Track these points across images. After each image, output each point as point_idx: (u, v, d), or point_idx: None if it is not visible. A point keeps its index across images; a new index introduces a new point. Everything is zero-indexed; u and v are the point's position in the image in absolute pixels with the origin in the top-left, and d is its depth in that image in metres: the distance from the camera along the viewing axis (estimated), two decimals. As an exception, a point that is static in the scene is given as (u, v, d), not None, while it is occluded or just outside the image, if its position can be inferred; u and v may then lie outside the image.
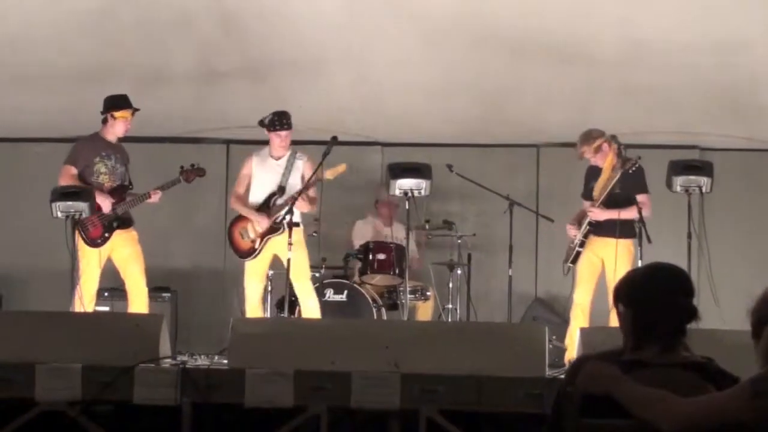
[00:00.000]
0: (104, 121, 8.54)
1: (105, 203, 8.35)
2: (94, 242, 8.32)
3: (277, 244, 8.48)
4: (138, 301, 8.36)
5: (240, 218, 8.65)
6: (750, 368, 3.27)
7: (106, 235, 8.35)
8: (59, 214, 8.12)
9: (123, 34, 9.57)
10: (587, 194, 8.58)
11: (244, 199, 8.68)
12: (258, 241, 8.54)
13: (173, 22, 9.48)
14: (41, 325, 6.55)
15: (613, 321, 7.37)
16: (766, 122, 10.05)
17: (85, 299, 8.12)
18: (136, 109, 8.54)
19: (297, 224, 8.41)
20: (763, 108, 9.89)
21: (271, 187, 8.58)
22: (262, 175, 8.63)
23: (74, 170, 8.41)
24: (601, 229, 8.32)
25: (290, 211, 8.28)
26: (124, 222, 8.45)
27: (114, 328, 6.59)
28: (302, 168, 8.62)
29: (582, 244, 8.38)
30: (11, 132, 10.55)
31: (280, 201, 8.52)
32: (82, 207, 8.10)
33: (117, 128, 8.52)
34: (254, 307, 8.57)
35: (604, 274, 8.31)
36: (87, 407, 6.08)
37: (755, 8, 9.04)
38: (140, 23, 9.48)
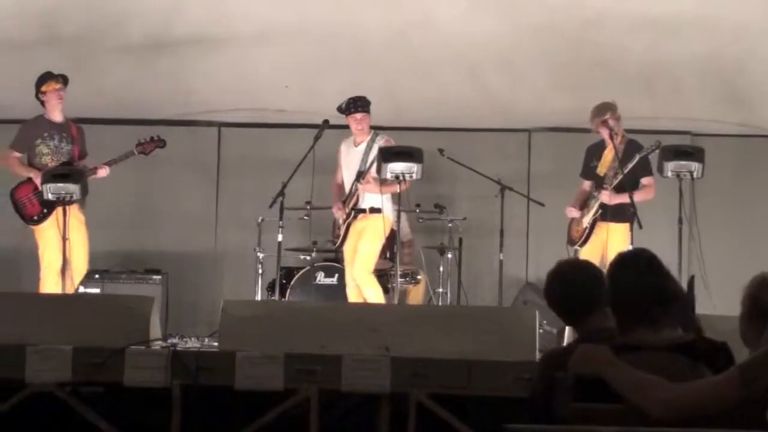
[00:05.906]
0: (42, 103, 8.55)
1: (37, 180, 8.34)
2: (32, 220, 8.38)
3: (356, 231, 8.58)
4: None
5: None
6: (740, 353, 3.28)
7: (45, 211, 8.37)
8: (50, 196, 8.16)
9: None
10: (588, 173, 8.52)
11: (335, 189, 8.79)
12: (342, 228, 8.66)
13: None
14: (31, 306, 6.55)
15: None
16: (758, 108, 10.05)
17: (51, 279, 8.18)
18: (64, 76, 8.53)
19: (377, 210, 8.46)
20: (756, 94, 9.89)
21: (353, 174, 8.61)
22: (346, 164, 8.70)
23: (17, 153, 8.55)
24: (606, 213, 8.28)
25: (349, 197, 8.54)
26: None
27: (104, 310, 6.58)
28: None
29: (593, 226, 8.33)
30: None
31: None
32: (72, 189, 8.13)
33: (52, 103, 8.53)
34: (352, 292, 8.63)
35: (604, 258, 8.24)
36: (77, 389, 6.08)
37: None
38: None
